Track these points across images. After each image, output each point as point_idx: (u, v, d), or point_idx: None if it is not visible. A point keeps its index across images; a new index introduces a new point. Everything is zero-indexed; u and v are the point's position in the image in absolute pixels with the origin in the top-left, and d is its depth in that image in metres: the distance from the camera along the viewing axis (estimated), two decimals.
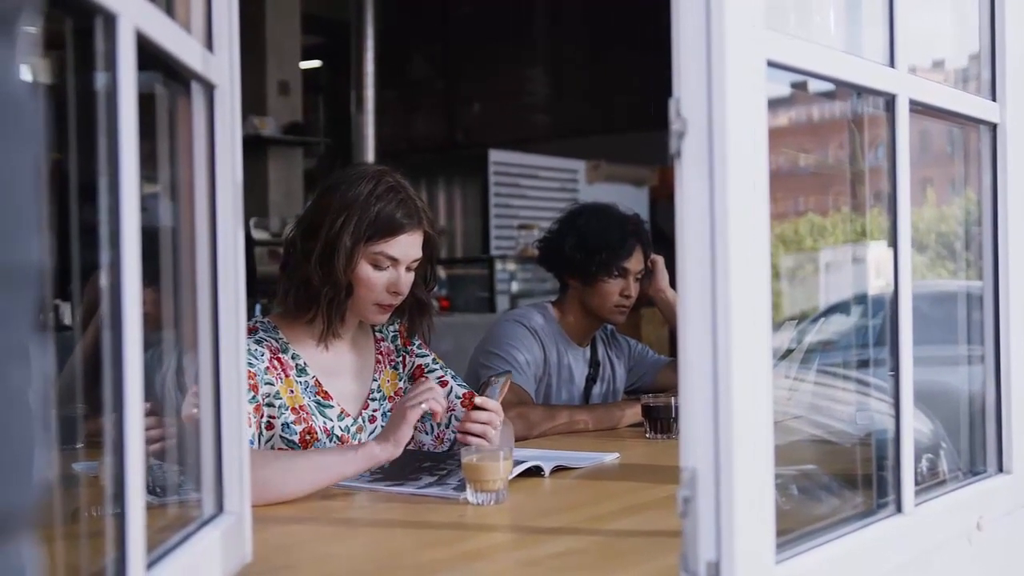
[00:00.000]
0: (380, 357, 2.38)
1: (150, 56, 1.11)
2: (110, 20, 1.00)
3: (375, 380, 2.35)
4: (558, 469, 2.18)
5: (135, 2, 1.04)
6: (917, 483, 1.55)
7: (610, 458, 2.34)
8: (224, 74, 1.37)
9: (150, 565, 1.09)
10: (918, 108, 1.58)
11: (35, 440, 0.60)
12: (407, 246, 2.21)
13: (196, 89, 1.34)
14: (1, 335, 0.57)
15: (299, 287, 2.20)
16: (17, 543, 0.58)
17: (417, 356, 2.42)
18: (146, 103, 1.09)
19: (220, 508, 1.37)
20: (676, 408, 2.65)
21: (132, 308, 1.02)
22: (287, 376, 2.19)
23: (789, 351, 2.27)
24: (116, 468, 1.01)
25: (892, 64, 1.52)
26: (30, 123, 0.59)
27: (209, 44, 1.35)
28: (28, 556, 0.60)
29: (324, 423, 2.21)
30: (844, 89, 1.61)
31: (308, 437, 2.17)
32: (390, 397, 2.36)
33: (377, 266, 2.19)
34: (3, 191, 0.57)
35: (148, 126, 1.12)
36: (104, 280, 1.02)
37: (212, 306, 1.37)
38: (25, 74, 0.61)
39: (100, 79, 1.02)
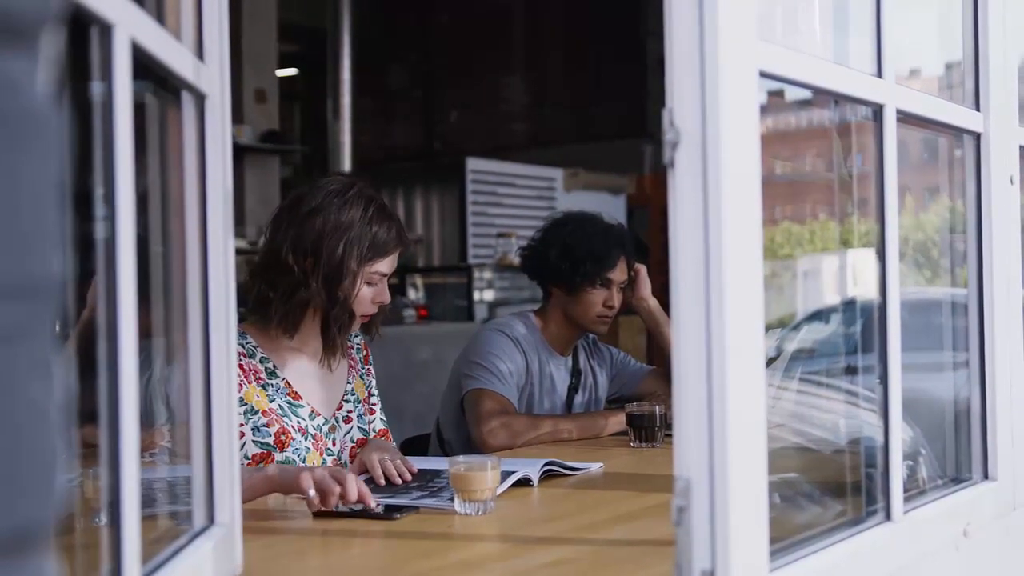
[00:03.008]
0: (352, 362, 2.47)
1: (142, 65, 1.11)
2: (106, 30, 0.99)
3: (349, 383, 2.43)
4: (548, 475, 2.18)
5: (130, 12, 1.03)
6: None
7: (596, 467, 2.35)
8: (215, 84, 1.37)
9: None
10: (904, 118, 1.59)
11: (57, 453, 0.60)
12: (394, 261, 2.33)
13: (187, 99, 1.33)
14: (24, 348, 0.57)
15: (299, 308, 2.25)
16: (41, 557, 0.58)
17: (372, 376, 2.54)
18: (136, 112, 1.08)
19: (211, 520, 1.37)
20: (660, 416, 2.65)
21: (127, 317, 1.01)
22: (250, 383, 2.24)
23: (771, 359, 2.28)
24: (112, 480, 1.00)
25: (879, 74, 1.53)
26: (52, 136, 0.59)
27: (200, 54, 1.35)
28: (51, 570, 0.60)
29: (298, 422, 2.26)
30: (821, 97, 1.62)
31: (283, 437, 2.23)
32: (363, 401, 2.45)
33: (369, 283, 2.29)
34: (26, 204, 0.56)
35: (138, 135, 1.11)
36: (99, 290, 1.01)
37: (203, 318, 1.36)
38: (46, 87, 0.60)
39: (95, 88, 1.02)
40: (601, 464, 2.37)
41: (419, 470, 2.21)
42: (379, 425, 2.49)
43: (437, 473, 2.19)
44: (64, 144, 0.61)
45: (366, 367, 2.52)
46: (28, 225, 0.56)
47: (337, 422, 2.37)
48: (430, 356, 5.81)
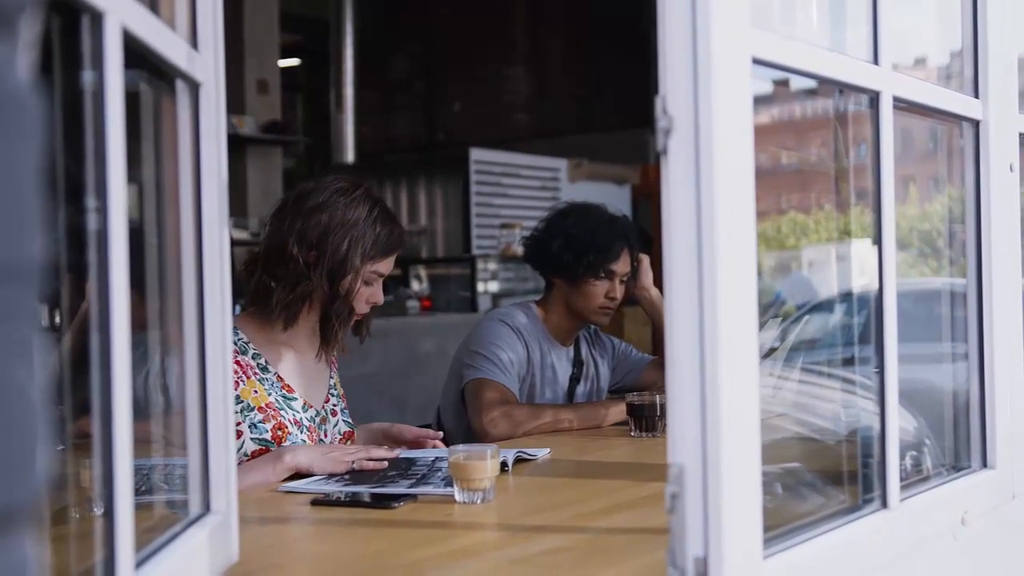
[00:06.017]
0: (333, 360, 2.50)
1: (135, 54, 1.11)
2: (97, 18, 0.99)
3: (332, 378, 2.48)
4: (519, 461, 2.23)
5: (122, 0, 1.03)
6: (902, 479, 1.56)
7: (542, 454, 2.37)
8: (209, 72, 1.37)
9: (138, 565, 1.08)
10: (901, 105, 1.59)
11: (39, 436, 0.60)
12: (392, 263, 2.38)
13: (181, 87, 1.33)
14: (5, 330, 0.57)
15: (300, 300, 2.28)
16: (21, 538, 0.59)
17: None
18: (129, 101, 1.08)
19: (207, 508, 1.37)
20: (661, 406, 2.65)
21: (119, 308, 1.01)
22: (249, 378, 2.26)
23: (772, 349, 2.28)
24: (104, 469, 1.00)
25: (876, 61, 1.52)
26: (32, 120, 0.59)
27: (194, 42, 1.35)
28: (31, 551, 0.60)
29: (293, 415, 2.30)
30: (826, 87, 1.62)
31: (280, 432, 2.25)
32: (342, 396, 2.50)
33: (367, 282, 2.33)
34: (7, 187, 0.57)
35: (131, 125, 1.12)
36: (91, 281, 1.01)
37: (198, 306, 1.36)
38: (26, 72, 0.61)
39: (86, 77, 1.02)
40: (549, 450, 2.39)
41: (398, 459, 2.23)
42: (343, 428, 2.49)
43: (412, 461, 2.20)
44: (43, 129, 0.61)
45: (335, 369, 2.55)
46: (7, 209, 0.57)
47: (326, 414, 2.41)
48: (433, 348, 5.82)
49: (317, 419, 2.36)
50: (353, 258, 2.27)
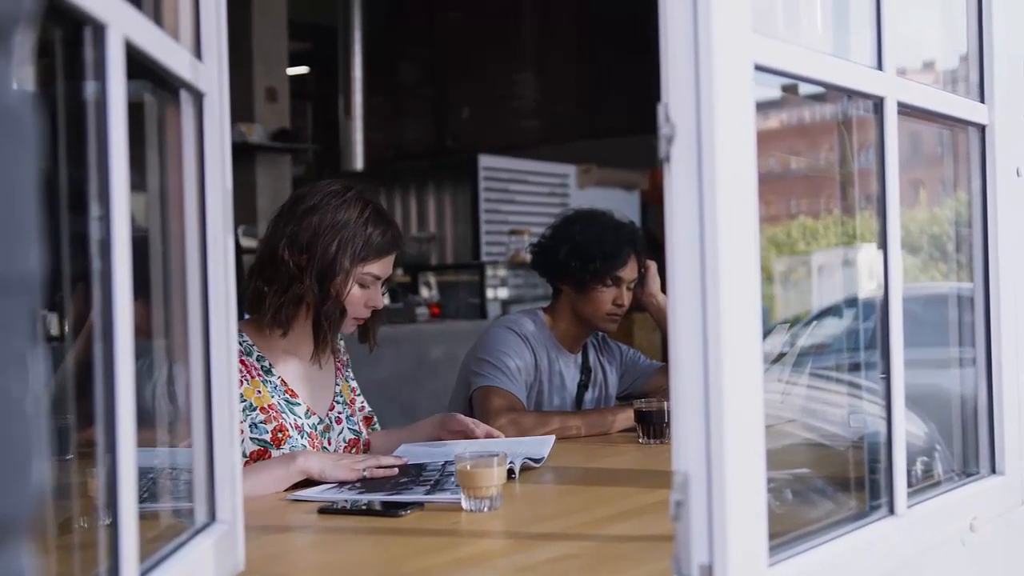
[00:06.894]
0: (339, 365, 2.50)
1: (138, 65, 1.11)
2: (99, 30, 1.00)
3: (337, 385, 2.47)
4: (525, 469, 2.23)
5: (124, 11, 1.04)
6: (911, 485, 1.55)
7: (548, 446, 2.39)
8: (213, 82, 1.37)
9: (143, 574, 1.09)
10: (906, 110, 1.58)
11: (34, 447, 0.60)
12: (389, 265, 2.37)
13: (185, 98, 1.34)
14: (1, 342, 0.57)
15: (292, 304, 2.28)
16: (16, 550, 0.59)
17: (352, 379, 2.56)
18: (134, 111, 1.09)
19: (212, 517, 1.37)
20: (668, 412, 2.64)
21: (123, 317, 1.02)
22: (253, 378, 2.27)
23: (781, 354, 2.27)
24: (109, 478, 1.01)
25: (880, 67, 1.52)
26: (28, 133, 0.60)
27: (198, 52, 1.35)
28: (26, 563, 0.60)
29: (294, 420, 2.30)
30: (834, 92, 1.61)
31: (280, 435, 2.26)
32: (349, 403, 2.49)
33: (362, 285, 2.32)
34: (3, 201, 0.57)
35: (136, 135, 1.12)
36: (95, 290, 1.02)
37: (203, 315, 1.37)
38: (22, 84, 0.61)
39: (89, 88, 1.02)
40: (553, 437, 2.43)
41: (408, 466, 2.23)
42: (347, 435, 2.48)
43: (422, 467, 2.21)
44: (40, 142, 0.61)
45: (348, 370, 2.55)
46: (2, 222, 0.57)
47: (330, 422, 2.41)
48: (442, 354, 5.82)
49: (320, 426, 2.36)
50: (343, 259, 2.27)
